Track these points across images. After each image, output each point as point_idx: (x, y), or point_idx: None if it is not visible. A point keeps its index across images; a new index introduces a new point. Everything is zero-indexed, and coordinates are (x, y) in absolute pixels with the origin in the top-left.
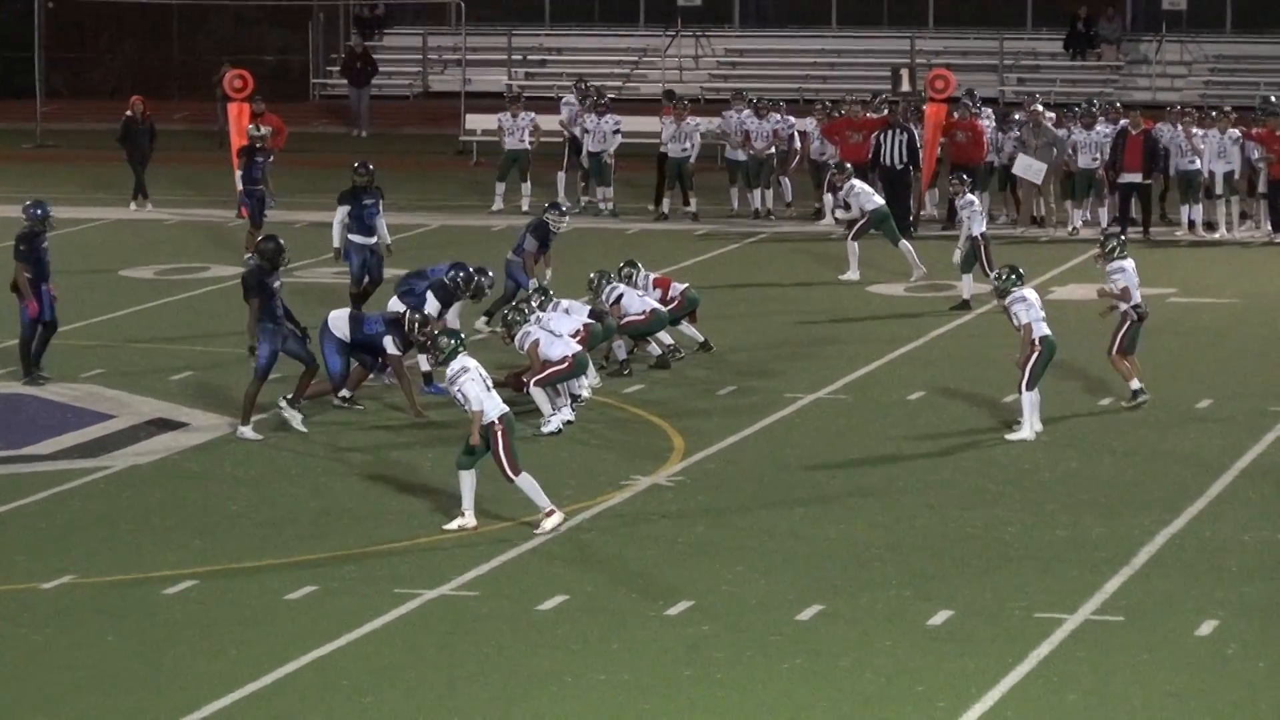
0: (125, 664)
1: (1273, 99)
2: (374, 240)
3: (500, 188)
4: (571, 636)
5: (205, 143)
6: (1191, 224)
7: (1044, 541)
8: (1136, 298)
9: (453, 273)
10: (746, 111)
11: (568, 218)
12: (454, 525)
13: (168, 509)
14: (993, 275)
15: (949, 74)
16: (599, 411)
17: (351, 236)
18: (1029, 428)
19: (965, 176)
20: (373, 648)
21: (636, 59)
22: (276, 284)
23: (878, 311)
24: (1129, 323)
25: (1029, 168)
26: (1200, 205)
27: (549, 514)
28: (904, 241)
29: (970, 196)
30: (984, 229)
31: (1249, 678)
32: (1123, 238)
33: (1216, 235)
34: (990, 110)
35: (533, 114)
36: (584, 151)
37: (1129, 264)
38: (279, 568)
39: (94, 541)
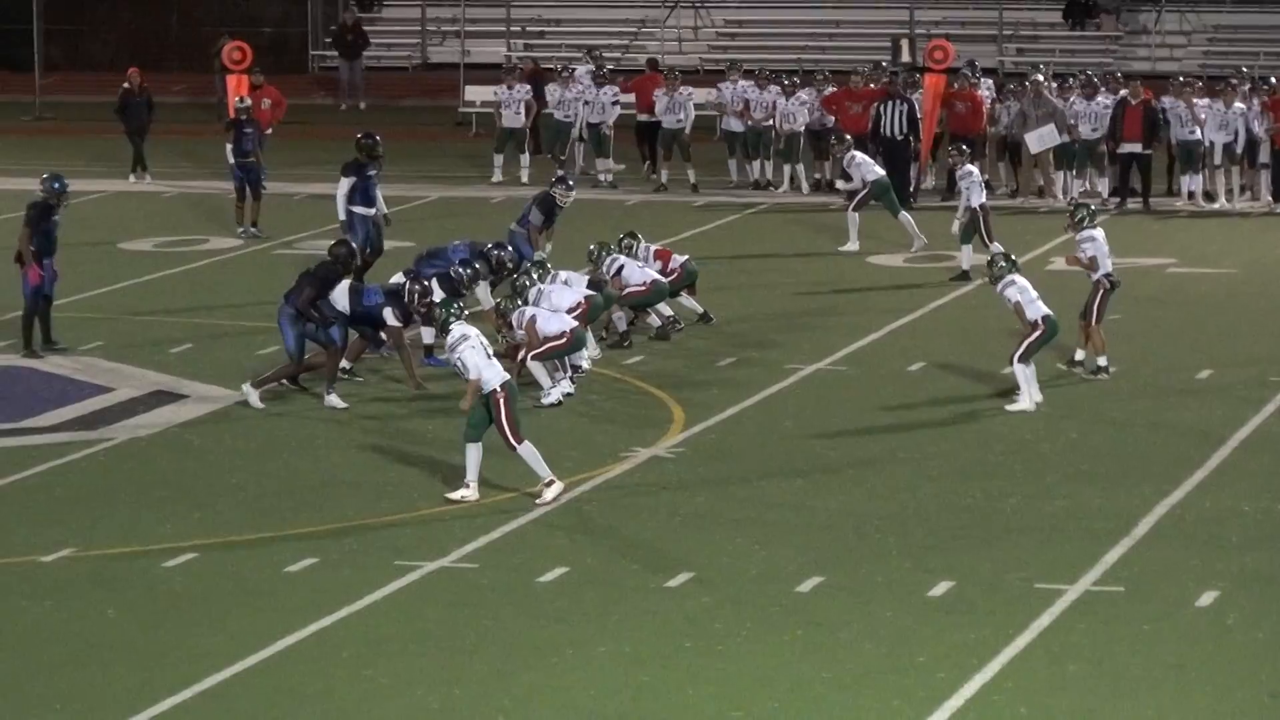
0: (125, 637)
1: (1244, 69)
2: (374, 211)
3: (499, 160)
4: (571, 608)
5: (204, 115)
6: (1191, 194)
7: (1044, 512)
8: (1107, 266)
9: (460, 269)
10: (745, 82)
11: (574, 192)
12: (456, 495)
13: (167, 481)
14: (988, 261)
15: (948, 44)
16: (599, 383)
17: (354, 208)
18: (1028, 398)
19: (965, 147)
20: (373, 620)
21: (635, 30)
22: (338, 288)
23: (877, 282)
24: (1102, 291)
25: (1042, 139)
26: (1200, 175)
27: (549, 484)
28: (904, 213)
29: (969, 167)
30: (983, 199)
31: (1250, 648)
32: (1092, 207)
33: (1216, 205)
34: (990, 81)
35: (528, 85)
36: (583, 123)
37: (1099, 233)
38: (279, 540)
39: (94, 514)
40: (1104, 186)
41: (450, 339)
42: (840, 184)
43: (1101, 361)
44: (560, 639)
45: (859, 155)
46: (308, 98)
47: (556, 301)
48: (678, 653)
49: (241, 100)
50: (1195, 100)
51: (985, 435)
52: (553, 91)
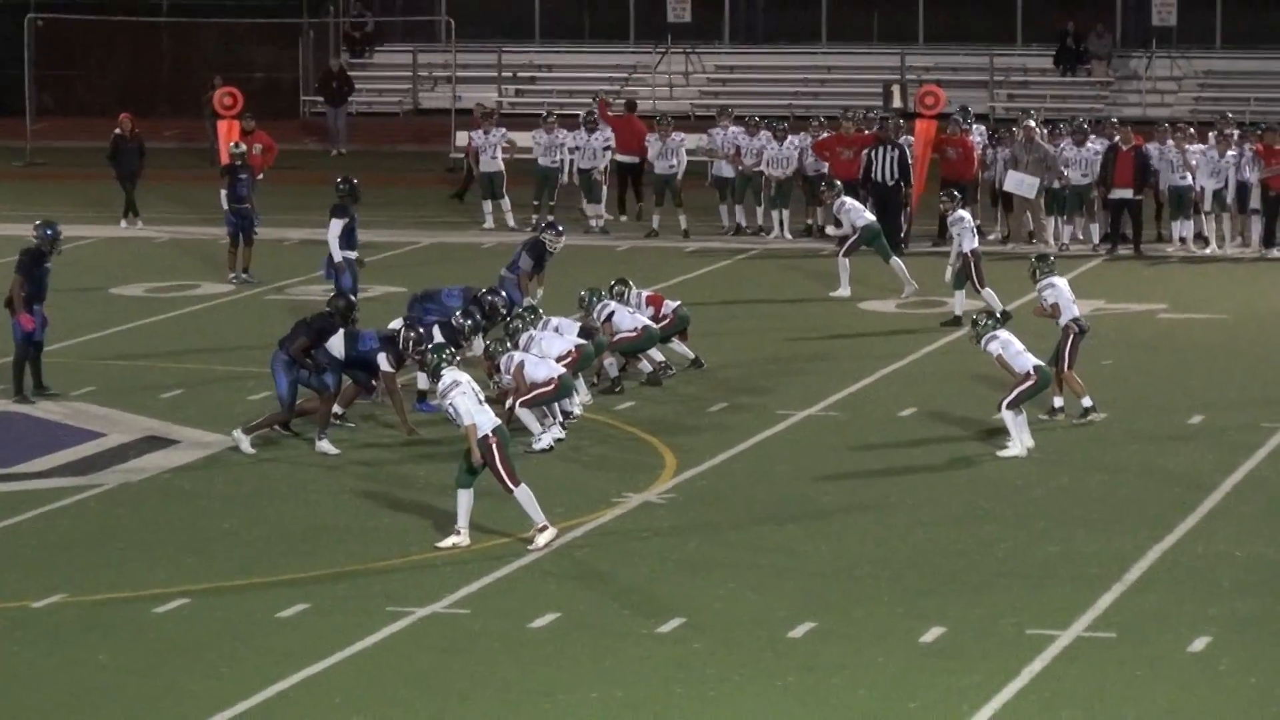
0: (116, 682)
1: (1228, 115)
2: (356, 254)
3: (488, 205)
4: (563, 654)
5: (195, 160)
6: (1183, 240)
7: (1036, 558)
8: (1073, 311)
9: (461, 318)
10: (735, 128)
11: (564, 238)
12: (448, 543)
13: (159, 527)
14: (971, 319)
15: (939, 90)
16: (590, 429)
17: (343, 252)
18: (1019, 444)
19: (955, 193)
20: (365, 666)
21: (627, 75)
22: (333, 338)
23: (869, 328)
24: (1072, 336)
25: (1021, 183)
26: (1191, 221)
27: (542, 529)
28: (895, 258)
29: (961, 213)
30: (975, 245)
31: (1242, 693)
32: (1051, 258)
33: (1207, 251)
34: (981, 126)
35: (504, 129)
36: (574, 168)
37: (1059, 280)
38: (270, 585)
39: (85, 560)
40: (1095, 232)
41: (442, 385)
42: (831, 229)
43: (1086, 403)
44: (552, 684)
45: (849, 201)
46: (299, 143)
47: (547, 348)
48: (670, 698)
49: (236, 146)
50: (1187, 146)
51: (977, 480)
52: (537, 138)
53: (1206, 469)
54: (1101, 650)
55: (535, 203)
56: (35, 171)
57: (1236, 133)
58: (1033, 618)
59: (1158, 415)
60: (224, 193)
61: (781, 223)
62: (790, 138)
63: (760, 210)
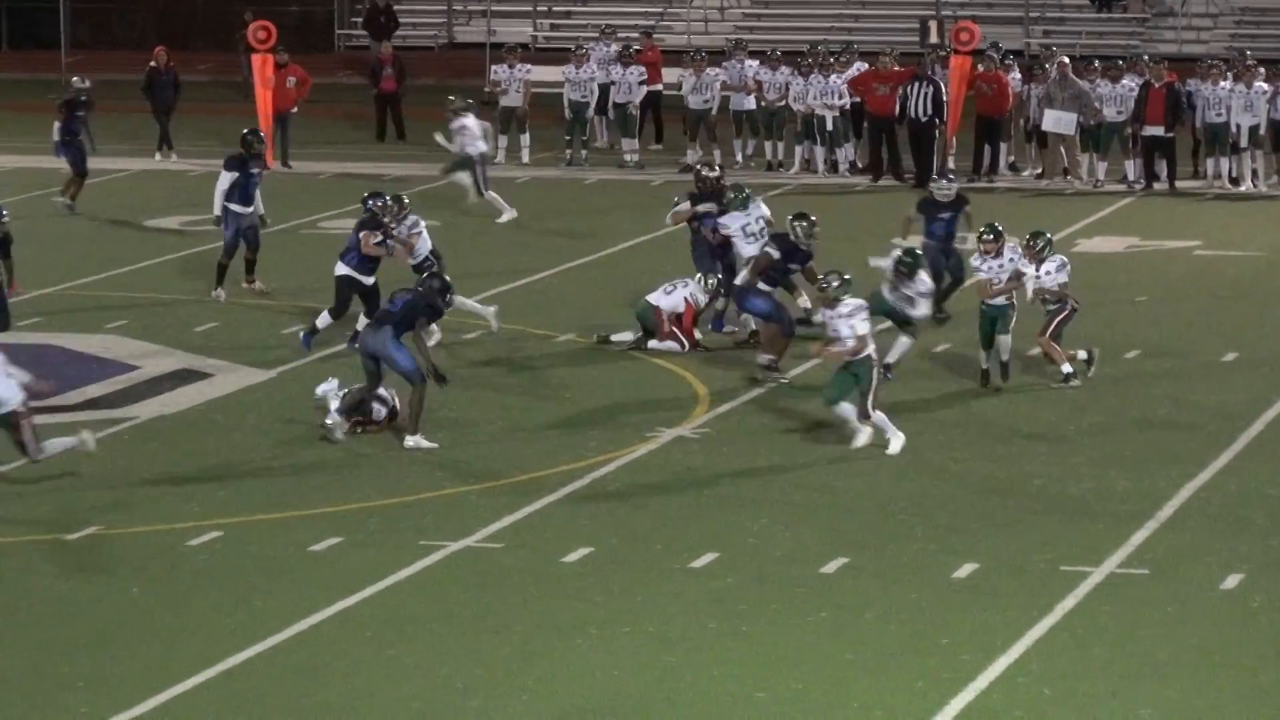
0: (149, 615)
1: (1247, 52)
2: (252, 209)
3: (503, 141)
4: (596, 588)
5: (229, 94)
6: (1217, 177)
7: (1069, 495)
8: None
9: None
10: (753, 62)
11: (819, 228)
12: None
13: (192, 460)
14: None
15: (974, 26)
16: (623, 364)
17: (231, 205)
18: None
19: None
20: (397, 599)
21: (661, 10)
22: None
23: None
24: (1066, 312)
25: (1059, 120)
26: (1228, 158)
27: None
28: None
29: (463, 120)
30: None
31: (1274, 630)
32: (1049, 236)
33: (1242, 188)
34: (1016, 63)
35: (529, 66)
36: (609, 102)
37: (1060, 259)
38: (303, 519)
39: (118, 492)
40: (1131, 169)
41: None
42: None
43: (1066, 369)
44: (584, 619)
45: (470, 123)
46: (333, 76)
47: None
48: (702, 633)
49: (81, 80)
50: (1221, 83)
51: (1011, 417)
52: (567, 71)
53: (1240, 406)
54: (1134, 587)
55: (567, 138)
56: None
57: (1264, 69)
58: (1065, 554)
59: (1191, 352)
60: (57, 125)
61: (815, 159)
62: (815, 74)
63: (779, 145)
